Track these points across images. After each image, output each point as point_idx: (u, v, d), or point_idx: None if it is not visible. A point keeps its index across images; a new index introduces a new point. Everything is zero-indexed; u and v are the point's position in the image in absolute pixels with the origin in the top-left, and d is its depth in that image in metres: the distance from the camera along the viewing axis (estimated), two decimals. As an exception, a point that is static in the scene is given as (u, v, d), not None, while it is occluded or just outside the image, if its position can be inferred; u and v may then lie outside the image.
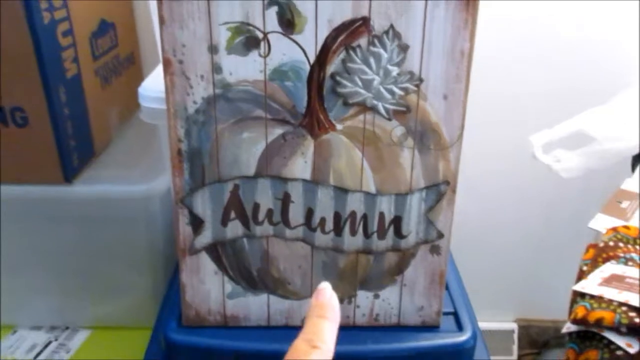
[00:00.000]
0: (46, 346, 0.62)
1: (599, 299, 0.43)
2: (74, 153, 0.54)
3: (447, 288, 0.55)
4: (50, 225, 0.57)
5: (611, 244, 0.50)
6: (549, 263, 0.96)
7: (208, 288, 0.48)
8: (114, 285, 0.62)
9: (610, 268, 0.47)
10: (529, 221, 0.92)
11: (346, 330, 0.50)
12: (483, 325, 1.00)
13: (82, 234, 0.58)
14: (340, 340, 0.49)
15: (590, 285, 0.44)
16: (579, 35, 0.77)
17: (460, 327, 0.51)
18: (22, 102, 0.49)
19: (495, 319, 1.03)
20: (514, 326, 1.04)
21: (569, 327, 0.42)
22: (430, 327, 0.51)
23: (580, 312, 0.42)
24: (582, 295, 0.44)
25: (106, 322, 0.65)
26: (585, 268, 0.48)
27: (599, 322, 0.41)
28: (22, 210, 0.56)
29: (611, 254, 0.48)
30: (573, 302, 0.44)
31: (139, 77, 0.75)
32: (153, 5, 0.42)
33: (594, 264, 0.48)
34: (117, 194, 0.55)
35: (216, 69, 0.41)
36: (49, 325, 0.64)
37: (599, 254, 0.49)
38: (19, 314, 0.64)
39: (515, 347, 1.04)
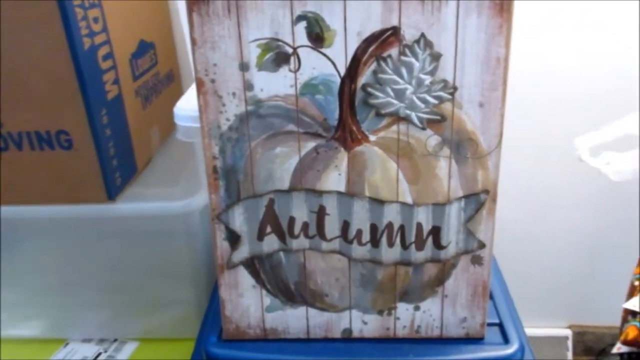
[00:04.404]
0: (96, 358, 0.64)
1: (652, 318, 0.40)
2: (117, 172, 0.56)
3: (491, 298, 0.54)
4: (96, 243, 0.59)
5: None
6: (603, 267, 0.92)
7: (247, 302, 0.48)
8: (159, 298, 0.64)
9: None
10: (580, 225, 0.89)
11: (387, 342, 0.50)
12: (535, 331, 0.97)
13: (126, 250, 0.60)
14: (381, 352, 0.49)
15: (643, 303, 0.42)
16: (627, 34, 0.73)
17: (506, 339, 0.49)
18: (67, 126, 0.51)
19: (548, 325, 0.99)
20: (568, 332, 1.00)
21: (619, 348, 0.40)
22: (474, 340, 0.49)
23: (631, 332, 0.39)
24: (634, 313, 0.41)
25: (152, 334, 0.67)
26: (637, 283, 0.46)
27: (652, 345, 0.38)
28: (70, 229, 0.58)
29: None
30: (624, 320, 0.42)
31: (179, 94, 0.76)
32: (187, 26, 0.43)
33: (647, 278, 0.45)
34: (158, 210, 0.57)
35: (247, 86, 0.41)
36: (98, 338, 0.67)
37: (652, 268, 0.46)
38: (70, 328, 0.66)
39: (569, 354, 1.00)
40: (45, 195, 0.55)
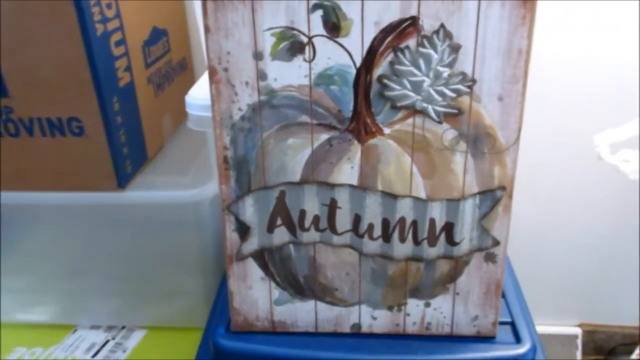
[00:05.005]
0: (104, 345, 0.64)
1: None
2: (127, 160, 0.56)
3: (503, 296, 0.53)
4: (106, 231, 0.59)
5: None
6: (617, 267, 0.91)
7: (255, 294, 0.48)
8: (168, 287, 0.64)
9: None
10: (595, 224, 0.87)
11: (396, 338, 0.49)
12: (544, 329, 0.96)
13: (136, 239, 0.60)
14: (390, 348, 0.48)
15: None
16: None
17: (518, 339, 0.48)
18: (78, 112, 0.51)
19: (558, 323, 0.98)
20: (577, 331, 0.99)
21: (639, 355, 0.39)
22: (485, 338, 0.48)
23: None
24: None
25: (161, 323, 0.67)
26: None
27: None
28: (79, 216, 0.58)
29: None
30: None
31: (191, 82, 0.75)
32: (201, 13, 0.42)
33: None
34: (168, 199, 0.56)
35: (261, 75, 0.40)
36: (106, 325, 0.67)
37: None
38: (79, 315, 0.67)
39: (578, 353, 0.99)
40: (55, 182, 0.55)
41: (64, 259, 0.62)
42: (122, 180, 0.55)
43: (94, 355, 0.63)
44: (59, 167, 0.54)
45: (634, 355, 0.38)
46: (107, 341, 0.65)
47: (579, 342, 0.98)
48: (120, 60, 0.54)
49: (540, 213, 0.86)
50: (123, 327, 0.67)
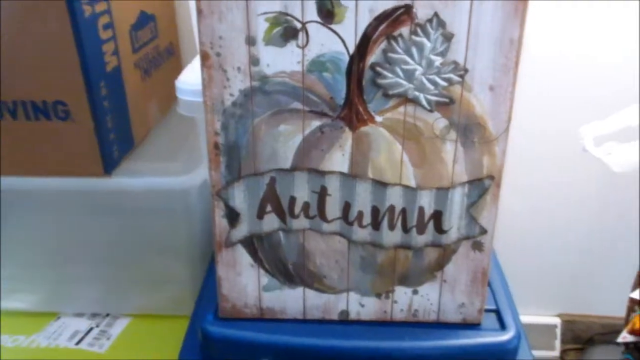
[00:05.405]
0: (88, 333, 0.63)
1: (660, 309, 0.40)
2: (114, 145, 0.55)
3: (489, 285, 0.54)
4: (91, 217, 0.59)
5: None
6: (596, 258, 0.93)
7: (244, 281, 0.48)
8: (154, 274, 0.63)
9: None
10: (577, 216, 0.89)
11: (384, 325, 0.49)
12: (524, 319, 0.98)
13: (122, 225, 0.59)
14: (377, 335, 0.48)
15: (650, 294, 0.42)
16: (633, 24, 0.72)
17: (503, 326, 0.49)
18: (64, 96, 0.50)
19: (538, 313, 1.00)
20: (556, 321, 1.01)
21: (625, 337, 0.40)
22: (471, 325, 0.49)
23: (638, 322, 0.39)
24: (641, 304, 0.41)
25: (146, 311, 0.66)
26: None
27: (659, 336, 0.38)
28: (64, 202, 0.57)
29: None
30: (630, 310, 0.42)
31: (179, 68, 0.75)
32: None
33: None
34: (156, 185, 0.56)
35: (253, 61, 0.40)
36: (90, 313, 0.66)
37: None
38: (62, 302, 0.66)
39: (557, 342, 1.01)
40: (40, 167, 0.54)
41: (48, 246, 0.61)
42: (108, 166, 0.54)
43: (77, 343, 0.62)
44: (43, 152, 0.53)
45: (620, 339, 0.40)
46: (91, 329, 0.64)
47: (558, 331, 1.00)
48: (107, 44, 0.53)
49: (522, 205, 0.88)
50: (107, 315, 0.66)
